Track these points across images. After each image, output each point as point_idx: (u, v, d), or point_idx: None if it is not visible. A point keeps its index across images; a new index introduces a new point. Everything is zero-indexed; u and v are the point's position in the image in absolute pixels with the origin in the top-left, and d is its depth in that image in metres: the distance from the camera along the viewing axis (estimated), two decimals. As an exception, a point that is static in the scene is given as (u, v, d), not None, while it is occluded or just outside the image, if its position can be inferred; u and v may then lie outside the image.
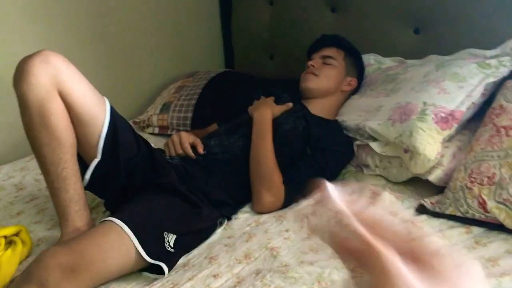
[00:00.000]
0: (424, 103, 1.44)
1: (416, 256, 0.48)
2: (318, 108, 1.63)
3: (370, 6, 1.91)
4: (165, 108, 2.08)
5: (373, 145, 1.49)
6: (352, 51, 1.73)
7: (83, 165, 1.27)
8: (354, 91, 1.73)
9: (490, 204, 1.18)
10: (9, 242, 1.18)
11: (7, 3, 1.76)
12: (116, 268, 1.07)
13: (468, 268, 0.48)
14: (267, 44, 2.32)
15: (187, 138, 1.49)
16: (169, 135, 1.81)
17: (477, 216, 1.21)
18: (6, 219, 1.41)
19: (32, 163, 1.68)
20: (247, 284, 1.05)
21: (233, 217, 1.37)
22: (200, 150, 1.47)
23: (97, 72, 1.99)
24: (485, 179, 1.21)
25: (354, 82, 1.71)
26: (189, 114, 2.01)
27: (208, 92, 2.05)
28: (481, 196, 1.20)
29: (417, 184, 1.43)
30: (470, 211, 1.22)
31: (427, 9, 1.75)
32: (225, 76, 2.18)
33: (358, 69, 1.74)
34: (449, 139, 1.44)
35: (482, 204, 1.19)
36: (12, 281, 1.08)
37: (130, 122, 2.02)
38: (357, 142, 1.56)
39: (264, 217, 1.35)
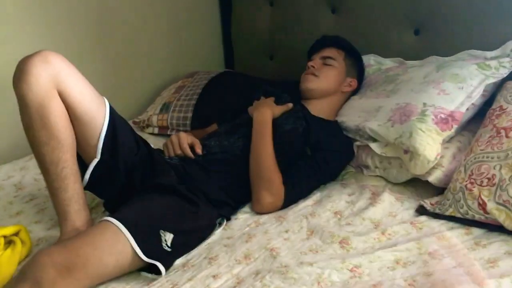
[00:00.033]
0: (424, 104, 1.44)
1: None
2: (318, 108, 1.63)
3: (370, 7, 1.91)
4: (165, 108, 2.08)
5: (373, 146, 1.49)
6: (352, 52, 1.73)
7: (82, 165, 1.27)
8: (354, 92, 1.73)
9: (490, 205, 1.18)
10: (9, 242, 1.18)
11: (7, 3, 1.76)
12: (113, 267, 1.07)
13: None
14: (267, 44, 2.32)
15: (186, 139, 1.49)
16: (169, 135, 1.82)
17: (477, 217, 1.21)
18: (5, 219, 1.41)
19: (31, 163, 1.68)
20: (246, 284, 1.05)
21: (233, 217, 1.37)
22: (199, 150, 1.47)
23: (97, 72, 1.99)
24: (485, 180, 1.21)
25: (354, 83, 1.71)
26: (189, 114, 2.01)
27: (208, 92, 2.05)
28: (481, 197, 1.20)
29: (417, 185, 1.43)
30: (470, 212, 1.22)
31: (427, 10, 1.75)
32: (225, 77, 2.18)
33: (358, 70, 1.74)
34: (449, 140, 1.44)
35: (482, 205, 1.19)
36: (12, 281, 1.08)
37: (130, 122, 2.03)
38: (357, 143, 1.56)
39: (264, 217, 1.35)
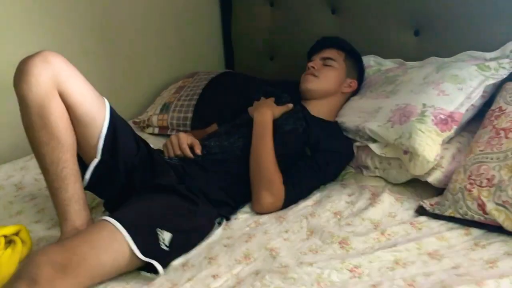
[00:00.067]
0: (424, 105, 1.44)
1: None
2: (318, 109, 1.64)
3: (370, 8, 1.91)
4: (165, 108, 2.08)
5: (373, 146, 1.49)
6: (353, 53, 1.74)
7: (82, 165, 1.27)
8: (354, 93, 1.73)
9: (490, 206, 1.18)
10: (9, 242, 1.18)
11: (7, 4, 1.77)
12: (110, 266, 1.07)
13: None
14: (267, 45, 2.32)
15: (186, 139, 1.49)
16: (169, 135, 1.81)
17: (476, 218, 1.21)
18: (5, 219, 1.41)
19: (31, 163, 1.68)
20: (246, 284, 1.05)
21: (233, 217, 1.37)
22: (198, 151, 1.47)
23: (97, 72, 1.99)
24: (485, 181, 1.21)
25: (354, 83, 1.71)
26: (189, 115, 2.01)
27: (208, 92, 2.06)
28: (480, 198, 1.20)
29: (416, 185, 1.44)
30: (470, 213, 1.22)
31: (427, 11, 1.76)
32: (225, 77, 2.18)
33: (358, 71, 1.74)
34: (449, 141, 1.44)
35: (482, 206, 1.19)
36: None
37: (130, 122, 2.03)
38: (357, 144, 1.56)
39: (264, 217, 1.35)
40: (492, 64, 1.54)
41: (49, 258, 0.99)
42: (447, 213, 1.26)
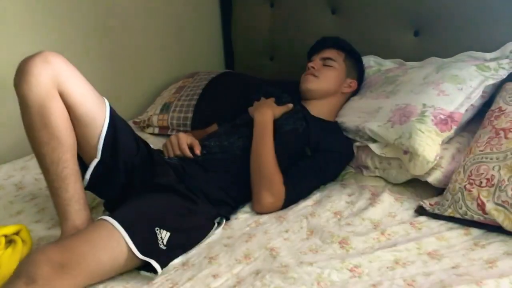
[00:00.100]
0: (424, 105, 1.45)
1: None
2: (318, 109, 1.64)
3: (370, 8, 1.91)
4: (165, 108, 2.08)
5: (373, 146, 1.50)
6: (353, 53, 1.74)
7: (82, 165, 1.27)
8: (354, 93, 1.74)
9: (489, 206, 1.18)
10: (10, 241, 1.18)
11: (8, 4, 1.77)
12: (109, 265, 1.07)
13: None
14: (267, 45, 2.33)
15: (185, 139, 1.49)
16: (169, 135, 1.81)
17: (476, 217, 1.21)
18: (6, 218, 1.41)
19: (32, 163, 1.68)
20: (246, 284, 1.05)
21: (233, 217, 1.37)
22: (197, 151, 1.47)
23: (98, 72, 1.99)
24: (484, 181, 1.22)
25: (354, 84, 1.71)
26: (189, 115, 2.01)
27: (209, 92, 2.06)
28: (480, 198, 1.20)
29: (416, 185, 1.44)
30: (469, 213, 1.22)
31: (427, 11, 1.76)
32: (226, 77, 2.18)
33: (358, 71, 1.74)
34: (448, 141, 1.44)
35: (481, 206, 1.20)
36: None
37: (130, 122, 2.04)
38: (357, 144, 1.56)
39: (264, 217, 1.35)
40: (492, 64, 1.54)
41: (47, 257, 0.99)
42: (446, 213, 1.26)
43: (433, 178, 1.38)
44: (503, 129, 1.28)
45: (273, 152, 1.42)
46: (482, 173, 1.23)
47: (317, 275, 1.06)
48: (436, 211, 1.28)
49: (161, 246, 1.12)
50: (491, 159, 1.24)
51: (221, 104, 1.96)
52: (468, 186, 1.24)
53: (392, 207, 1.35)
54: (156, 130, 2.07)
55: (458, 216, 1.24)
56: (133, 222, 1.12)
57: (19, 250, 1.16)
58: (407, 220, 1.29)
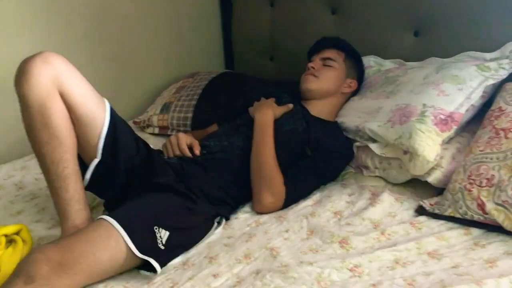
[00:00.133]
0: (424, 105, 1.45)
1: None
2: (318, 109, 1.64)
3: (370, 9, 1.91)
4: (165, 108, 2.08)
5: (373, 146, 1.50)
6: (353, 53, 1.74)
7: (83, 165, 1.27)
8: (354, 93, 1.74)
9: (489, 206, 1.18)
10: (10, 241, 1.18)
11: (7, 4, 1.77)
12: (108, 264, 1.07)
13: None
14: (267, 45, 2.33)
15: (185, 139, 1.49)
16: (169, 135, 1.81)
17: (476, 217, 1.21)
18: (6, 218, 1.41)
19: (32, 162, 1.69)
20: (247, 283, 1.05)
21: (233, 217, 1.37)
22: (197, 151, 1.47)
23: (97, 72, 1.99)
24: (484, 181, 1.22)
25: (354, 84, 1.72)
26: (189, 115, 2.01)
27: (209, 92, 2.06)
28: (480, 198, 1.20)
29: (416, 185, 1.44)
30: (469, 213, 1.22)
31: (427, 12, 1.76)
32: (226, 77, 2.18)
33: (358, 71, 1.75)
34: (448, 141, 1.44)
35: (481, 206, 1.20)
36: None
37: (130, 122, 2.04)
38: (357, 144, 1.57)
39: (264, 217, 1.35)
40: (492, 64, 1.54)
41: (46, 256, 0.99)
42: (447, 213, 1.26)
43: (433, 178, 1.38)
44: (503, 129, 1.28)
45: (273, 152, 1.42)
46: (482, 173, 1.23)
47: (317, 274, 1.06)
48: (436, 211, 1.29)
49: (160, 245, 1.12)
50: (491, 159, 1.24)
51: (221, 104, 1.96)
52: (468, 186, 1.24)
53: (392, 207, 1.35)
54: (156, 130, 2.08)
55: (458, 216, 1.24)
56: (132, 221, 1.12)
57: (19, 250, 1.16)
58: (407, 220, 1.29)
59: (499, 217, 1.17)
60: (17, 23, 1.81)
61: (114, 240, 1.07)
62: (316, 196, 1.44)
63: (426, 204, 1.32)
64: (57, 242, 1.08)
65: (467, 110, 1.46)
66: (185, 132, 1.81)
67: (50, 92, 1.16)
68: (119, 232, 1.08)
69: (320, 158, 1.47)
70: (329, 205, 1.37)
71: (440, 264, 1.08)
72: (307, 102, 1.67)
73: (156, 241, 1.12)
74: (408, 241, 1.18)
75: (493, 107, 1.40)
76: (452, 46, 1.69)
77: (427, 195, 1.39)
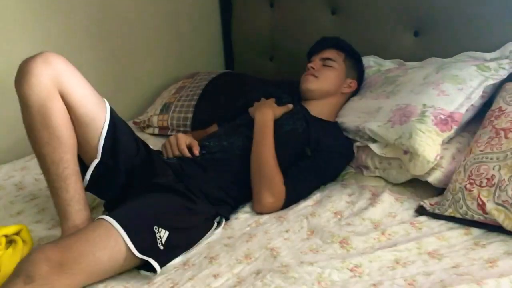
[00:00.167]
0: (424, 105, 1.45)
1: None
2: (317, 109, 1.64)
3: (370, 9, 1.91)
4: (165, 108, 2.08)
5: (373, 146, 1.50)
6: (352, 53, 1.74)
7: (83, 165, 1.28)
8: (354, 93, 1.74)
9: (489, 206, 1.18)
10: (10, 241, 1.18)
11: (8, 4, 1.77)
12: (107, 263, 1.07)
13: None
14: (267, 45, 2.33)
15: (184, 140, 1.49)
16: (169, 136, 1.81)
17: (476, 217, 1.21)
18: (6, 218, 1.41)
19: (32, 163, 1.69)
20: (247, 284, 1.05)
21: (233, 217, 1.37)
22: (196, 152, 1.47)
23: (98, 73, 1.99)
24: (484, 181, 1.22)
25: (354, 84, 1.72)
26: (189, 115, 2.01)
27: (208, 93, 2.06)
28: (480, 198, 1.20)
29: (416, 185, 1.44)
30: (469, 213, 1.22)
31: (427, 12, 1.76)
32: (226, 77, 2.18)
33: (358, 71, 1.75)
34: (449, 141, 1.44)
35: (481, 206, 1.20)
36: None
37: (130, 122, 2.04)
38: (357, 144, 1.57)
39: (265, 217, 1.35)
40: (492, 64, 1.54)
41: (45, 256, 0.99)
42: (447, 213, 1.26)
43: (433, 178, 1.38)
44: (503, 129, 1.28)
45: (273, 152, 1.42)
46: (483, 173, 1.23)
47: (318, 275, 1.06)
48: (437, 211, 1.29)
49: (160, 245, 1.12)
50: (491, 159, 1.24)
51: (221, 104, 1.96)
52: (468, 186, 1.24)
53: (392, 207, 1.35)
54: (156, 131, 2.08)
55: (458, 216, 1.24)
56: (131, 221, 1.12)
57: (19, 250, 1.16)
58: (407, 220, 1.29)
59: (499, 217, 1.17)
60: (17, 23, 1.81)
61: (113, 240, 1.07)
62: (316, 196, 1.44)
63: (426, 204, 1.32)
64: (57, 242, 1.08)
65: (467, 110, 1.46)
66: (185, 132, 1.81)
67: (50, 92, 1.16)
68: (118, 232, 1.08)
69: (320, 158, 1.47)
70: (329, 205, 1.37)
71: (440, 264, 1.08)
72: (307, 102, 1.67)
73: (156, 241, 1.12)
74: (409, 241, 1.18)
75: (493, 107, 1.40)
76: (452, 46, 1.69)
77: (427, 195, 1.39)
